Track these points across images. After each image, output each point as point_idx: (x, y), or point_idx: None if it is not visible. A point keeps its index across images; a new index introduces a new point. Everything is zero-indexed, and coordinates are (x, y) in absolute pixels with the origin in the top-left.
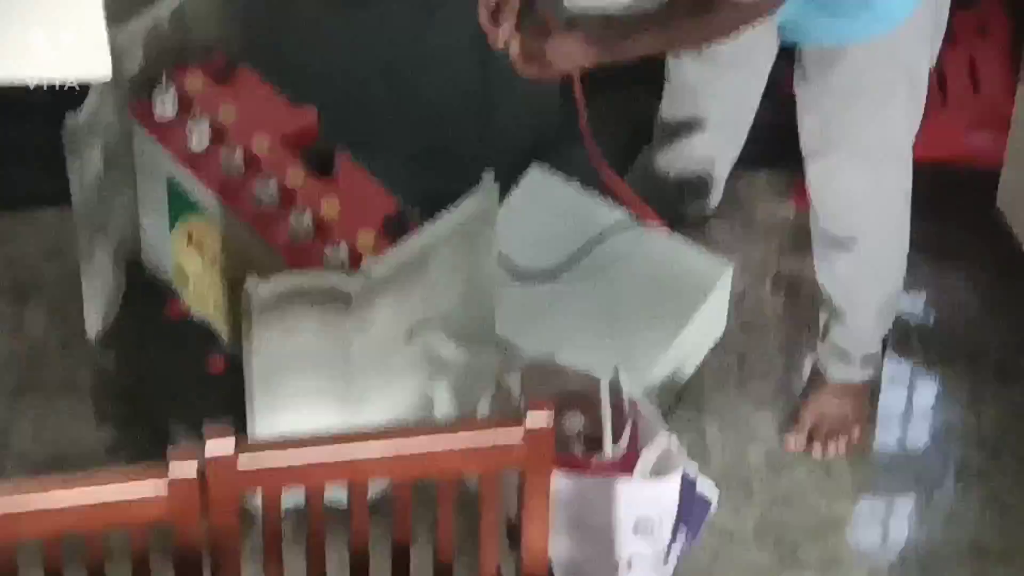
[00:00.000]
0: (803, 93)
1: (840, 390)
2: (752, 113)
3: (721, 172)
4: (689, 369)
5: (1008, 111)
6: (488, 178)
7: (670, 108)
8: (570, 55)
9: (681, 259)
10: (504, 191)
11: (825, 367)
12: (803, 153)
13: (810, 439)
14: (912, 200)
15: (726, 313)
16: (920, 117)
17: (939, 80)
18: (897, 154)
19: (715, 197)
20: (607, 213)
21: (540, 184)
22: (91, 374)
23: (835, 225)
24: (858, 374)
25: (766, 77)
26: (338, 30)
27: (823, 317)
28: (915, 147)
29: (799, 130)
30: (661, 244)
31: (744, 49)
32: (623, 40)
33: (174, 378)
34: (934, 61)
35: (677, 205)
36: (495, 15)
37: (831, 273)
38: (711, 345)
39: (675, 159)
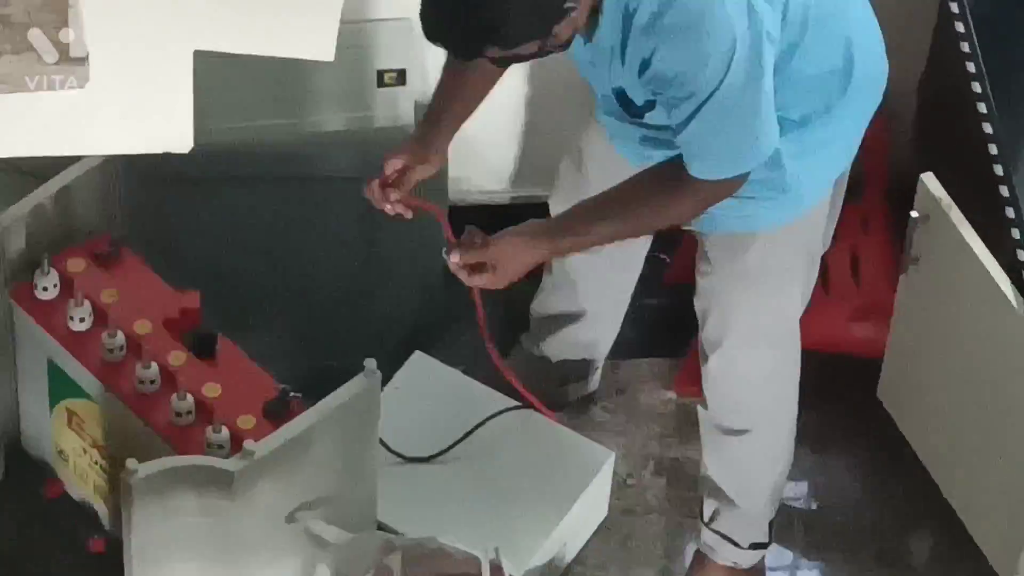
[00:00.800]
0: (706, 280)
1: (727, 573)
2: (629, 296)
3: (602, 353)
4: (571, 554)
5: (889, 303)
6: (370, 363)
7: (547, 300)
8: (517, 256)
9: (564, 445)
10: (387, 374)
11: (713, 550)
12: (703, 344)
13: None
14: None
15: (607, 499)
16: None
17: (822, 272)
18: (792, 336)
19: (596, 378)
20: (489, 398)
21: (422, 369)
22: None
23: (731, 417)
24: (747, 559)
25: (643, 261)
26: (221, 213)
27: (711, 505)
28: (800, 336)
29: (700, 319)
30: (543, 430)
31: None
32: (576, 232)
33: (52, 559)
34: (827, 243)
35: (560, 389)
36: (384, 186)
37: (723, 462)
38: (593, 529)
39: (556, 346)
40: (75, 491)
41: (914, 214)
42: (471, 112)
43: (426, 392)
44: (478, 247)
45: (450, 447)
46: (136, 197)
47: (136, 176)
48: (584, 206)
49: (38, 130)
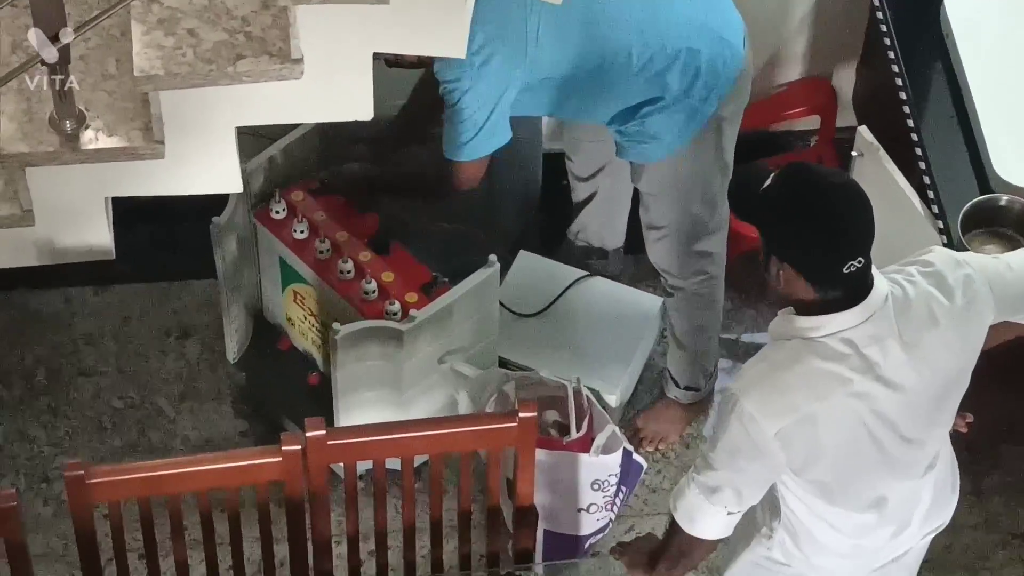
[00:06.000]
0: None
1: (668, 404)
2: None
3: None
4: (636, 376)
5: None
6: (492, 257)
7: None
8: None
9: (623, 297)
10: (504, 266)
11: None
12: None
13: None
14: None
15: (657, 332)
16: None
17: None
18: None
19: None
20: (570, 273)
21: (527, 261)
22: (230, 386)
23: None
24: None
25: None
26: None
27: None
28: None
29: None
30: (608, 288)
31: None
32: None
33: (285, 389)
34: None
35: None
36: None
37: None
38: (647, 354)
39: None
40: (299, 344)
41: (854, 154)
42: None
43: (530, 274)
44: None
45: (547, 306)
46: (334, 151)
47: (334, 135)
48: None
49: (270, 106)
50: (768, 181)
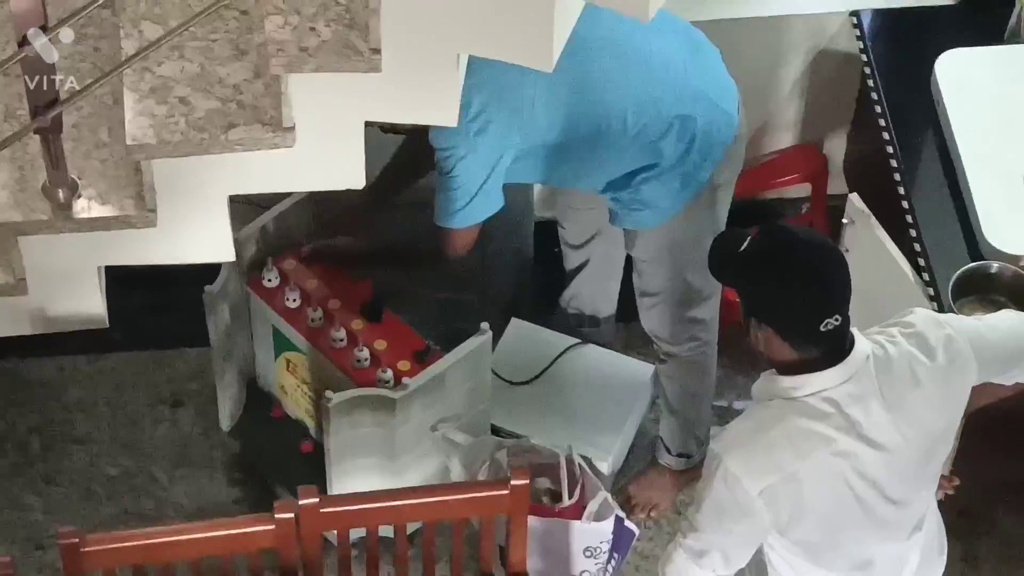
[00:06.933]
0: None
1: (660, 472)
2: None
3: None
4: (628, 443)
5: None
6: (484, 326)
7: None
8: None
9: (616, 364)
10: (496, 333)
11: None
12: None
13: None
14: None
15: (650, 396)
16: None
17: None
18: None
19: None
20: (562, 340)
21: (519, 329)
22: (223, 453)
23: None
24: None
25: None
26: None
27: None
28: None
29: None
30: (601, 355)
31: None
32: None
33: (278, 456)
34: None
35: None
36: None
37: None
38: (639, 421)
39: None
40: (292, 412)
41: (845, 221)
42: None
43: (522, 342)
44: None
45: (539, 374)
46: (325, 220)
47: (326, 203)
48: None
49: (263, 175)
50: (745, 243)
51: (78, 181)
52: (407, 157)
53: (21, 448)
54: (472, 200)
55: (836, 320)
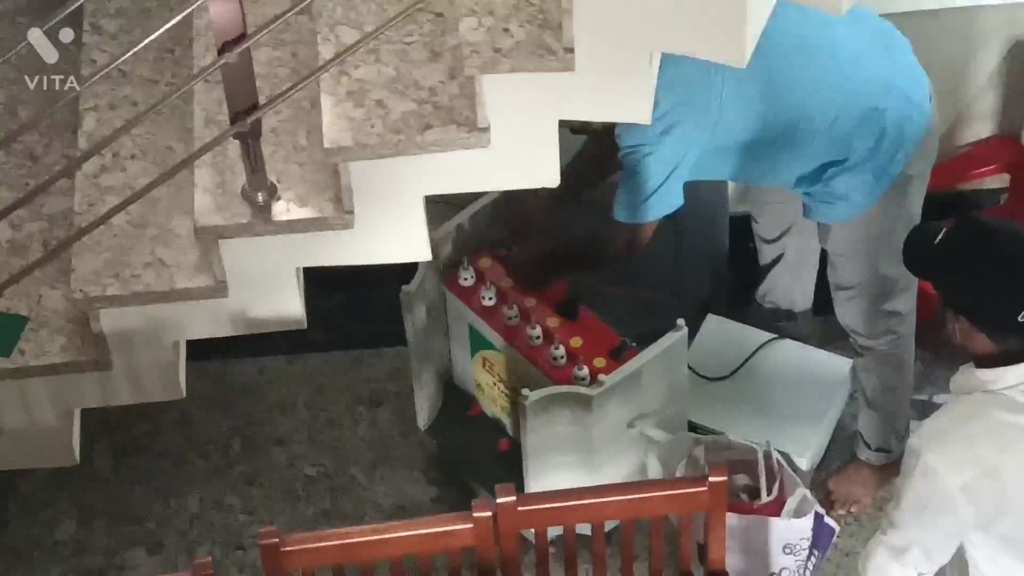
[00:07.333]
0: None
1: (860, 466)
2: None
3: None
4: (827, 437)
5: None
6: (680, 322)
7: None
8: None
9: (813, 358)
10: (692, 330)
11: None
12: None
13: None
14: None
15: (848, 391)
16: None
17: None
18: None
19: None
20: (758, 335)
21: (716, 324)
22: (421, 453)
23: None
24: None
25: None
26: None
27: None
28: None
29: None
30: (797, 350)
31: None
32: None
33: (475, 455)
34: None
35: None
36: None
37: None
38: (838, 416)
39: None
40: (489, 410)
41: None
42: None
43: (717, 337)
44: None
45: (736, 369)
46: (516, 217)
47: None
48: None
49: (457, 175)
50: (940, 236)
51: (277, 184)
52: (591, 157)
53: (223, 450)
54: (650, 197)
55: None
